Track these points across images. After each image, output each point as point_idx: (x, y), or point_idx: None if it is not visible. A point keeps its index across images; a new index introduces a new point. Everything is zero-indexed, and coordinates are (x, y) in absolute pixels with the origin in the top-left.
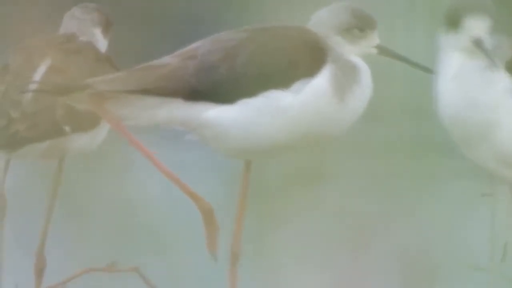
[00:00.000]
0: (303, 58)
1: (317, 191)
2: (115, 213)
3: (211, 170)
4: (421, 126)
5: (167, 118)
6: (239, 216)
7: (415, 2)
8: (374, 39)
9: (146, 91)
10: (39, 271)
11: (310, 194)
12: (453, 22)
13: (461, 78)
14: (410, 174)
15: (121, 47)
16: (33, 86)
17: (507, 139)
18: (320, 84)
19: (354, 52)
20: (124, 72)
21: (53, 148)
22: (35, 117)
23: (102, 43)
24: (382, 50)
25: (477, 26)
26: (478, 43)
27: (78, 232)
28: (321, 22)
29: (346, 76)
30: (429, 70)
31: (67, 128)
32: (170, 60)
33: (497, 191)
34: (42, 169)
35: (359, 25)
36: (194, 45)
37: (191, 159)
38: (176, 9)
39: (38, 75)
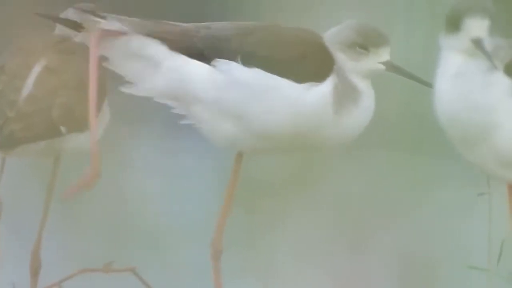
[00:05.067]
0: (313, 57)
1: (314, 191)
2: (111, 213)
3: (207, 167)
4: (418, 127)
5: (166, 84)
6: (224, 212)
7: (415, 2)
8: (380, 56)
9: (153, 37)
10: (35, 271)
11: (307, 193)
12: (453, 23)
13: (460, 79)
14: (406, 173)
15: None
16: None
17: (506, 141)
18: (324, 91)
19: (356, 70)
20: (137, 19)
21: (49, 148)
22: (31, 117)
23: None
24: (390, 67)
25: (477, 26)
26: (477, 43)
27: (74, 232)
28: (327, 38)
29: (345, 92)
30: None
31: (63, 129)
32: (185, 24)
33: (493, 190)
34: (37, 169)
35: (361, 42)
36: (212, 22)
37: (189, 158)
38: (174, 13)
39: (33, 75)
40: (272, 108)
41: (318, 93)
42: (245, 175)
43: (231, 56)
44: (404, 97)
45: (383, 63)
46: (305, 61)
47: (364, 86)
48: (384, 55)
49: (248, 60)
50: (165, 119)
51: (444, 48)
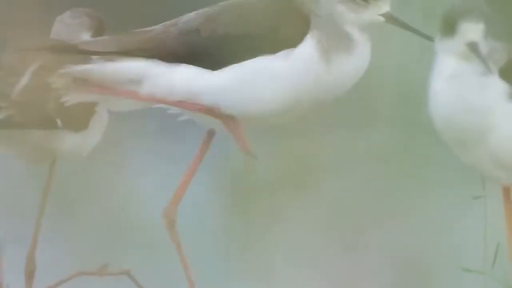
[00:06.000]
0: (285, 25)
1: (311, 192)
2: (107, 216)
3: (204, 170)
4: (413, 129)
5: (150, 92)
6: (183, 183)
7: (409, 3)
8: (380, 8)
9: (127, 53)
10: (29, 274)
11: (303, 195)
12: (449, 27)
13: (456, 82)
14: (402, 177)
15: None
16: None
17: (502, 142)
18: (305, 51)
19: (356, 21)
20: (108, 36)
21: (45, 144)
22: (26, 106)
23: None
24: (389, 18)
25: (472, 30)
26: (472, 47)
27: (69, 235)
28: None
29: (333, 41)
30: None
31: (59, 122)
32: (154, 27)
33: (488, 193)
34: (33, 173)
35: None
36: (180, 17)
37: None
38: (165, 19)
39: (28, 72)
40: (262, 92)
41: (300, 54)
42: (242, 177)
43: (204, 48)
44: (399, 99)
45: (383, 15)
46: (278, 31)
47: (360, 36)
48: (384, 6)
49: (222, 45)
50: (162, 122)
51: (439, 51)
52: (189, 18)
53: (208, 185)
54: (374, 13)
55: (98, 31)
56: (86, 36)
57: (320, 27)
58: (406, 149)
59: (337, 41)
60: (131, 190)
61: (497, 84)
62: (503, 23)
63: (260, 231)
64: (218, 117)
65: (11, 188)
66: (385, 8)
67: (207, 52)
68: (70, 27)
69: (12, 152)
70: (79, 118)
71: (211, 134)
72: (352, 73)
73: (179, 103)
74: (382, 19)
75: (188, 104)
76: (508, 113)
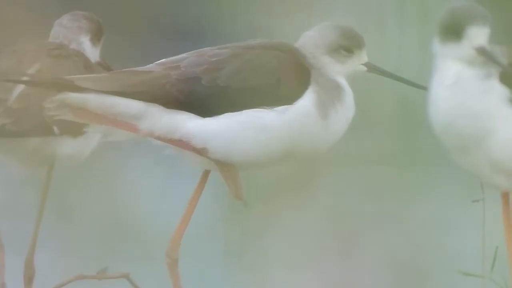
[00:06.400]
0: (286, 80)
1: (308, 196)
2: (105, 220)
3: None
4: (411, 133)
5: (148, 129)
6: (182, 223)
7: (406, 5)
8: (362, 57)
9: (126, 94)
10: (29, 279)
11: (300, 198)
12: (454, 31)
13: (457, 87)
14: (400, 180)
15: (109, 58)
16: (14, 77)
17: (501, 147)
18: (304, 105)
19: (342, 71)
20: (107, 73)
21: (42, 150)
22: (21, 113)
23: (90, 51)
24: (371, 68)
25: (480, 35)
26: (483, 51)
27: (68, 239)
28: (309, 42)
29: (329, 94)
30: (418, 86)
31: (55, 129)
32: (154, 67)
33: (487, 196)
34: (31, 178)
35: (346, 45)
36: (178, 57)
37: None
38: (163, 22)
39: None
40: (251, 144)
41: (298, 109)
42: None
43: (204, 96)
44: (398, 102)
45: (364, 64)
46: (279, 86)
47: (345, 84)
48: (364, 56)
49: (222, 95)
50: None
51: (440, 56)
52: (191, 61)
53: (207, 191)
54: (357, 63)
55: (96, 34)
56: (84, 39)
57: (318, 80)
58: (405, 152)
59: (331, 92)
60: (130, 193)
61: (497, 88)
62: (503, 27)
63: (257, 234)
64: (215, 162)
65: (9, 192)
66: (365, 58)
67: (206, 101)
68: (68, 30)
69: (9, 159)
70: (76, 124)
71: (206, 173)
72: (344, 124)
73: (177, 142)
74: (364, 68)
75: (185, 144)
76: (508, 118)
